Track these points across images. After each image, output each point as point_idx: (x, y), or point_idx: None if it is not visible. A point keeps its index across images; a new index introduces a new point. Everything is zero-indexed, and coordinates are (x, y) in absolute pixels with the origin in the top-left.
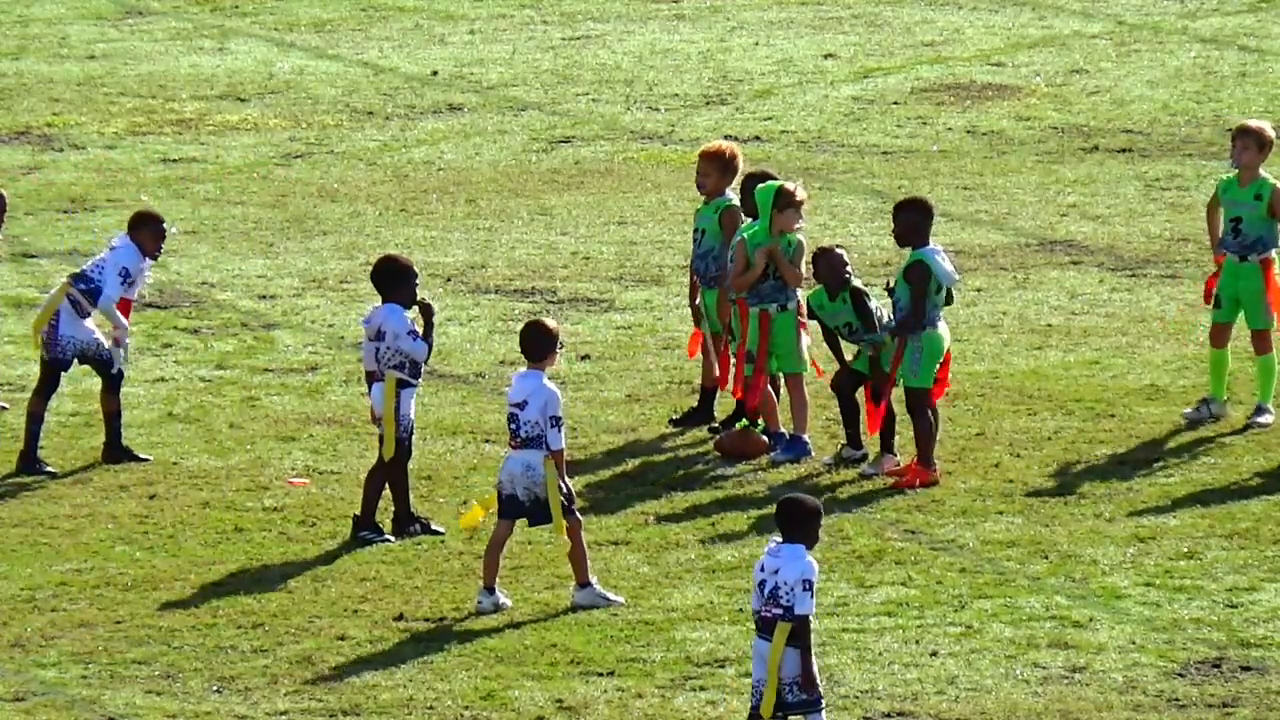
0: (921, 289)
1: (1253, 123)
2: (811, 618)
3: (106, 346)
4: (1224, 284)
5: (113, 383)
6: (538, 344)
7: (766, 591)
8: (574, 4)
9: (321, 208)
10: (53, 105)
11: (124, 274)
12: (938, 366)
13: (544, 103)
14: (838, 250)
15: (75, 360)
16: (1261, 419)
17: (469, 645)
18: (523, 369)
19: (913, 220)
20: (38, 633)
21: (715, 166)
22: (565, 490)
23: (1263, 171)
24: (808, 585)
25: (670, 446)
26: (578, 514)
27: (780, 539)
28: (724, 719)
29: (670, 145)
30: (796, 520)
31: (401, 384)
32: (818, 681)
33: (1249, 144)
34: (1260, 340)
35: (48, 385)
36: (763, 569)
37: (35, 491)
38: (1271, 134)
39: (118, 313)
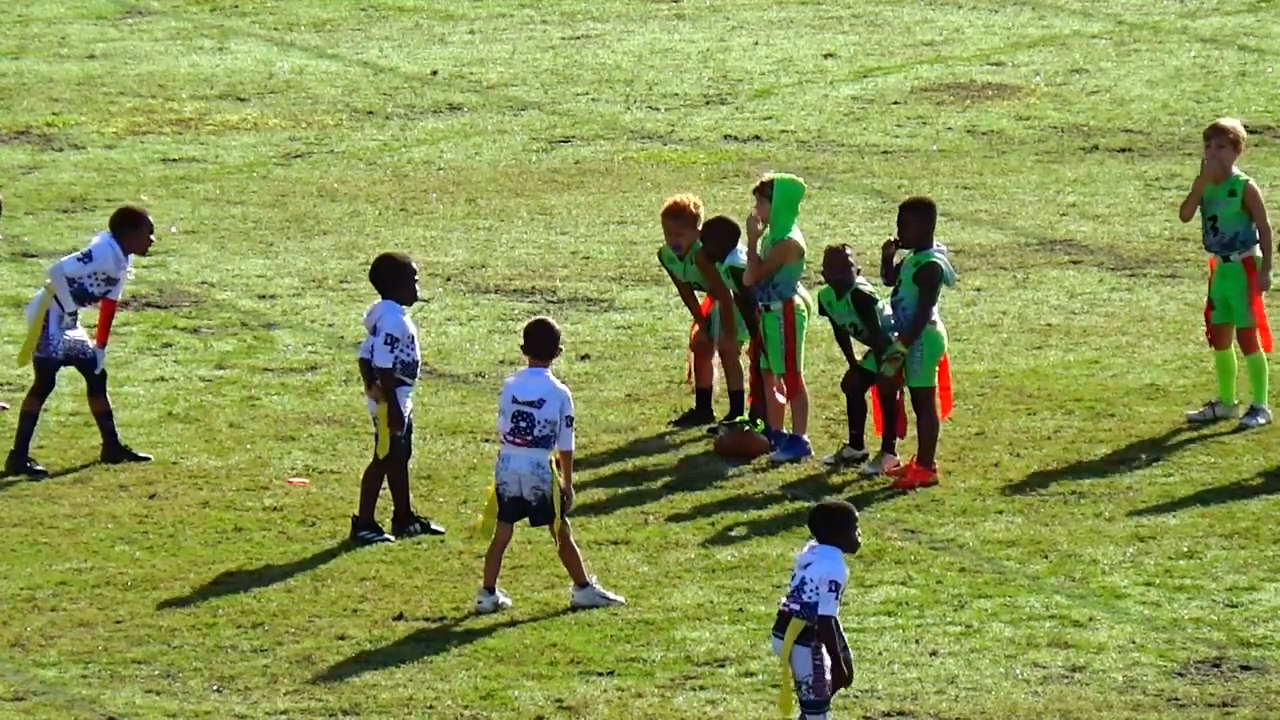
0: (934, 286)
1: (1226, 122)
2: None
3: (90, 346)
4: (1215, 286)
5: (97, 384)
6: (546, 342)
7: (793, 587)
8: (574, 4)
9: (321, 208)
10: (53, 105)
11: (86, 256)
12: (937, 365)
13: (544, 103)
14: (843, 249)
15: (64, 359)
16: (1256, 420)
17: (469, 645)
18: (523, 367)
19: (921, 222)
20: (38, 633)
21: (682, 223)
22: (567, 491)
23: (1235, 169)
24: (834, 586)
25: (670, 446)
26: (566, 517)
27: (816, 542)
28: (724, 719)
29: (670, 145)
30: (828, 526)
31: (396, 382)
32: (849, 678)
33: (1224, 143)
34: (1246, 339)
35: (43, 386)
36: (796, 565)
37: (35, 491)
38: (1244, 133)
39: (66, 288)
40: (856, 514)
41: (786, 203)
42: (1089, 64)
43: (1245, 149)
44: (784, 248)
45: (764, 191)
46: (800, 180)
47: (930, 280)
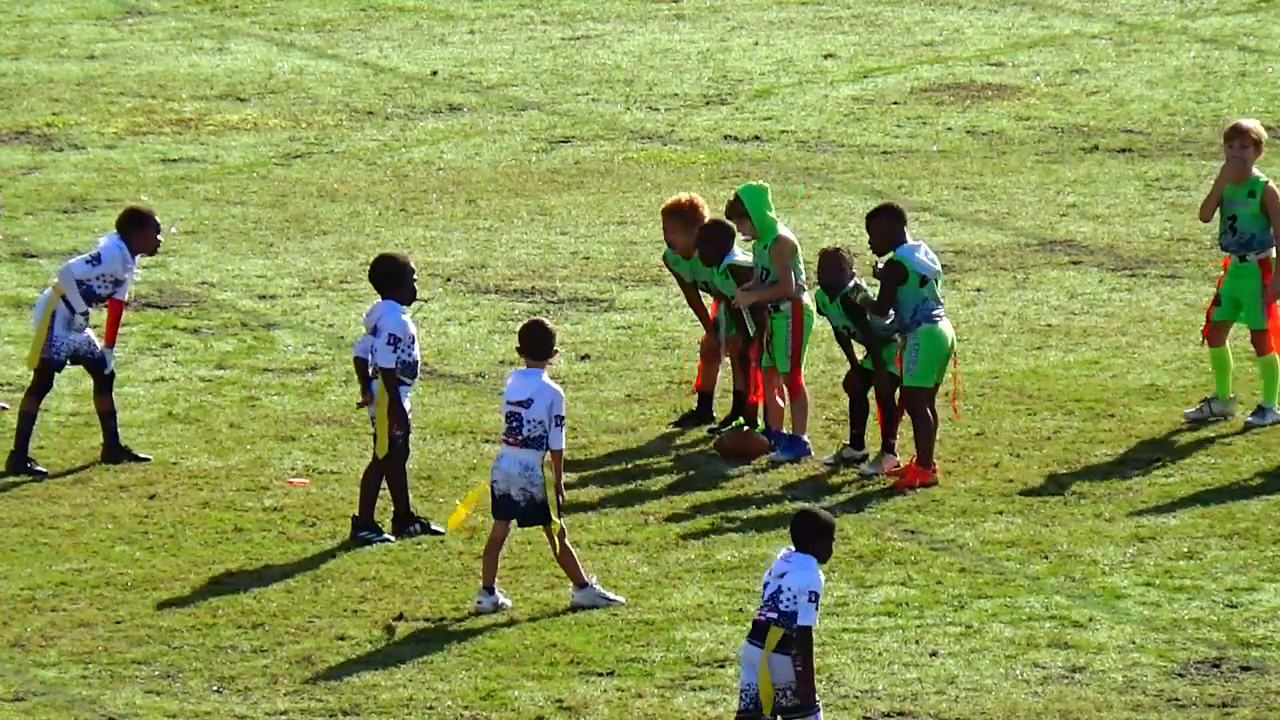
0: (891, 285)
1: (1246, 122)
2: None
3: (99, 347)
4: (1227, 283)
5: (105, 383)
6: (540, 342)
7: (767, 595)
8: (574, 4)
9: (321, 208)
10: (53, 105)
11: (95, 259)
12: (938, 366)
13: (544, 103)
14: (838, 252)
15: (68, 360)
16: (1264, 419)
17: (469, 645)
18: (520, 367)
19: (883, 226)
20: (38, 633)
21: (677, 221)
22: (558, 490)
23: (1255, 170)
24: (813, 597)
25: (670, 446)
26: (562, 521)
27: (793, 548)
28: (724, 719)
29: (670, 145)
30: (811, 533)
31: (397, 382)
32: (814, 690)
33: (1246, 143)
34: (1259, 341)
35: (41, 385)
36: (770, 574)
37: (35, 491)
38: (1263, 132)
39: (76, 290)
40: (836, 528)
41: (760, 206)
42: (1089, 64)
43: (1265, 149)
44: (780, 249)
45: (736, 210)
46: (758, 182)
47: (885, 274)
